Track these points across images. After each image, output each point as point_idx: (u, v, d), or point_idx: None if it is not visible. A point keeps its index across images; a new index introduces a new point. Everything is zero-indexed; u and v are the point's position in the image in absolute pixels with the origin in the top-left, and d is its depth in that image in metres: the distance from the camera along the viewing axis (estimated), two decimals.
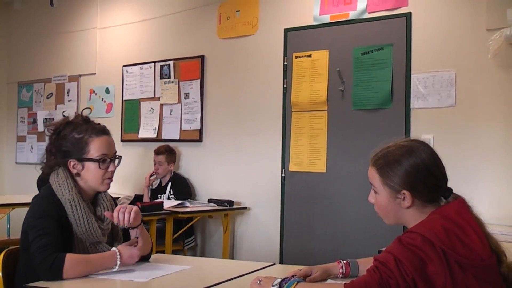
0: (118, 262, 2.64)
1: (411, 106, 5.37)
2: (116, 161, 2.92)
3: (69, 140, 2.81)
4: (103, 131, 2.88)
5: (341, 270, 2.54)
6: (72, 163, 2.82)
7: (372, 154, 2.30)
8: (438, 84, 5.25)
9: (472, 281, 1.95)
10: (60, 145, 2.83)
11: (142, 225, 2.90)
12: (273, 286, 2.21)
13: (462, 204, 2.12)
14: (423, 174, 2.15)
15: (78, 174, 2.84)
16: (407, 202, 2.15)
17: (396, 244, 2.02)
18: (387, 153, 2.24)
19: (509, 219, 4.65)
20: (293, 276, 2.33)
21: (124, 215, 2.74)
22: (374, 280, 1.96)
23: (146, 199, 6.65)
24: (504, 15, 4.74)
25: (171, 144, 7.00)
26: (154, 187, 6.85)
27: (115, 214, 2.74)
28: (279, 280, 2.22)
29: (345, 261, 2.57)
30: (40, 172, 2.99)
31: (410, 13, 5.42)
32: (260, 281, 2.28)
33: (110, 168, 2.87)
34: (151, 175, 6.77)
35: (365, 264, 2.52)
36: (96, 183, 2.85)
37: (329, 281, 2.49)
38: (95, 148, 2.81)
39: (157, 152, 6.75)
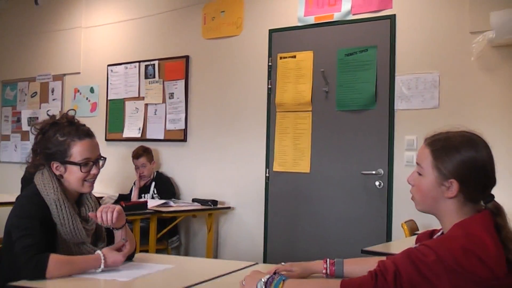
0: (102, 267, 2.64)
1: (395, 107, 5.40)
2: (100, 163, 2.91)
3: (53, 142, 2.81)
4: (86, 134, 2.86)
5: (324, 271, 2.49)
6: (55, 165, 2.82)
7: (428, 135, 2.22)
8: (421, 86, 5.28)
9: None
10: (44, 146, 2.83)
11: (127, 225, 2.90)
12: None
13: (488, 217, 2.05)
14: (478, 171, 2.07)
15: (61, 176, 2.83)
16: (451, 192, 2.08)
17: (403, 255, 1.97)
18: (447, 137, 2.14)
19: None
20: (275, 272, 2.31)
21: (107, 215, 2.73)
22: (369, 287, 1.93)
23: (135, 199, 6.62)
24: (487, 18, 4.77)
25: (156, 144, 7.01)
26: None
27: (98, 214, 2.73)
28: (263, 283, 2.15)
29: (331, 261, 2.50)
30: (24, 171, 2.98)
31: (394, 15, 5.46)
32: (244, 281, 2.25)
33: (93, 171, 2.86)
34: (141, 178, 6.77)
35: (351, 264, 2.49)
36: (78, 186, 2.84)
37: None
38: (77, 152, 2.80)
39: (136, 156, 6.72)
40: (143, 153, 6.70)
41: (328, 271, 2.49)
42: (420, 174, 2.18)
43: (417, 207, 2.23)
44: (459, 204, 2.09)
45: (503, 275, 1.92)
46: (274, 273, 2.26)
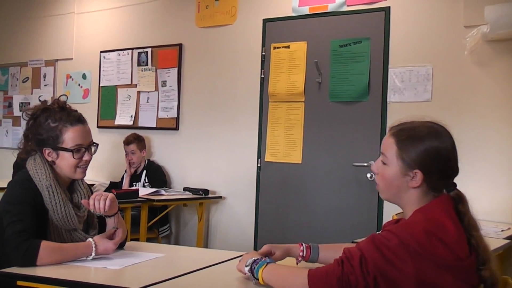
0: (93, 254, 2.64)
1: (388, 100, 5.41)
2: (92, 149, 2.90)
3: (44, 128, 2.79)
4: (78, 120, 2.84)
5: (301, 253, 2.59)
6: (47, 151, 2.81)
7: (393, 125, 2.22)
8: (414, 79, 5.29)
9: (450, 282, 1.92)
10: (36, 132, 2.81)
11: (119, 213, 2.90)
12: (246, 266, 2.27)
13: (448, 201, 2.09)
14: (442, 161, 2.10)
15: (53, 162, 2.82)
16: (416, 182, 2.10)
17: (368, 241, 1.99)
18: (412, 128, 2.15)
19: (485, 214, 4.69)
20: (267, 255, 2.41)
21: (100, 203, 2.73)
22: (335, 273, 1.95)
23: (126, 187, 6.62)
24: (481, 12, 4.78)
25: (147, 132, 7.00)
26: None
27: (90, 201, 2.73)
28: (251, 261, 2.26)
29: (306, 245, 2.60)
30: (16, 156, 2.96)
31: (389, 7, 5.45)
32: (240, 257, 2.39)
33: (85, 158, 2.85)
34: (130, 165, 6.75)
35: (326, 250, 2.59)
36: (70, 172, 2.84)
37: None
38: (69, 138, 2.78)
39: (127, 142, 6.73)
40: (133, 140, 6.69)
41: (304, 253, 2.59)
42: (384, 164, 2.19)
43: (382, 195, 2.25)
44: (422, 194, 2.12)
45: (465, 256, 1.96)
46: (267, 256, 2.38)
